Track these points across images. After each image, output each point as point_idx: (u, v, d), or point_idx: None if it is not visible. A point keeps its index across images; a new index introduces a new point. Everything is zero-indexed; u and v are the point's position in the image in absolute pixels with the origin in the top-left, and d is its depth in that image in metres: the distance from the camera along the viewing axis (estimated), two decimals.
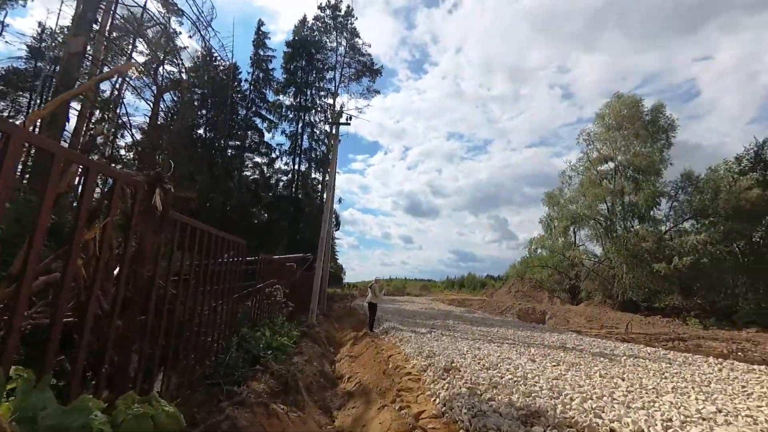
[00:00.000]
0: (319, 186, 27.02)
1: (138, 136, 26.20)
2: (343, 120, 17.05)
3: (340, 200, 28.24)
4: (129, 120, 24.20)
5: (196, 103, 31.20)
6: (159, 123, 27.77)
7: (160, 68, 26.25)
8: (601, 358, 7.68)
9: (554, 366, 6.73)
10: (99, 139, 25.26)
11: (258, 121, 29.87)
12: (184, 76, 30.73)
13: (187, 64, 31.22)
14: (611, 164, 28.98)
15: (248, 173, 31.93)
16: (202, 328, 5.24)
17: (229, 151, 31.61)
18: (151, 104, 24.14)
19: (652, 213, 25.42)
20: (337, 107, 24.79)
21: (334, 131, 15.95)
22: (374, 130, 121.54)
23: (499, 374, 5.85)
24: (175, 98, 31.73)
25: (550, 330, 13.71)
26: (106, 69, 20.49)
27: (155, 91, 24.46)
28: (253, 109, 30.13)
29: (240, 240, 6.82)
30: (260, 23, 30.36)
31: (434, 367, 6.14)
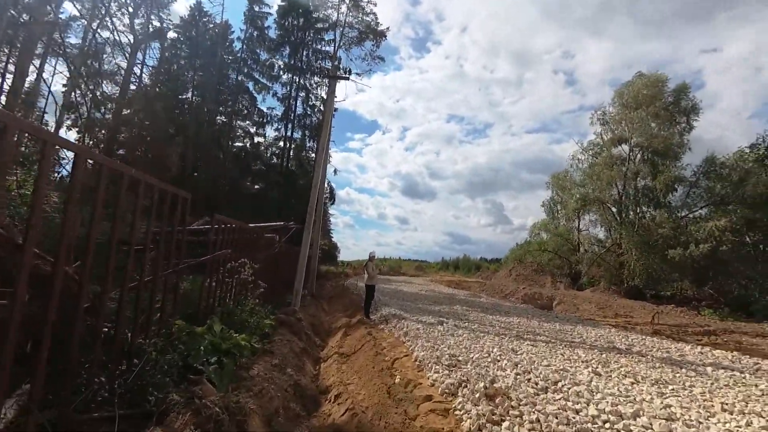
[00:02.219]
0: (314, 155, 24.40)
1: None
2: (341, 75, 14.38)
3: (335, 171, 25.75)
4: (100, 77, 21.25)
5: (182, 62, 28.02)
6: (139, 82, 24.72)
7: (138, 18, 23.02)
8: (682, 369, 5.52)
9: (633, 383, 4.55)
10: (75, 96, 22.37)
11: (250, 84, 26.89)
12: (170, 33, 27.53)
13: (176, 21, 27.96)
14: (625, 147, 26.61)
15: (239, 143, 29.12)
16: (98, 321, 3.00)
17: (219, 118, 28.65)
18: (127, 56, 21.05)
19: (668, 199, 23.27)
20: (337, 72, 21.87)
21: (329, 86, 13.32)
22: (373, 109, 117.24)
23: (574, 405, 3.62)
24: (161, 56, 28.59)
25: (579, 322, 11.61)
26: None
27: (131, 41, 21.37)
28: (245, 71, 27.07)
29: (181, 192, 4.44)
30: None
31: (468, 389, 3.88)
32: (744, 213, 20.60)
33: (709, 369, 5.68)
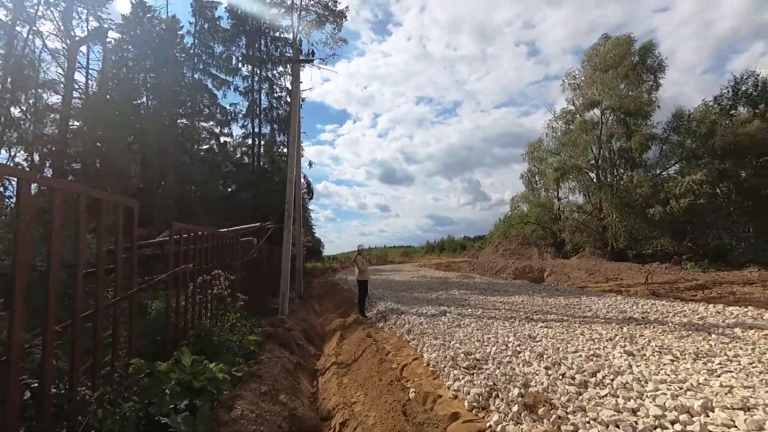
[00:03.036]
0: (286, 149, 23.09)
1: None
2: (303, 58, 13.22)
3: (310, 164, 24.53)
4: (37, 88, 19.16)
5: (130, 64, 25.78)
6: (85, 89, 22.54)
7: (73, 20, 20.75)
8: (712, 336, 5.06)
9: (674, 361, 4.00)
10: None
11: (209, 82, 25.01)
12: (112, 33, 25.23)
13: (117, 20, 25.53)
14: (597, 111, 26.57)
15: (205, 145, 27.30)
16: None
17: (180, 120, 26.68)
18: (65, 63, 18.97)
19: (644, 158, 23.43)
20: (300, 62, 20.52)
21: (292, 72, 12.22)
22: (341, 98, 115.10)
23: (627, 403, 2.99)
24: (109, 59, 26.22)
25: (581, 293, 11.27)
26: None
27: (68, 44, 19.25)
28: (201, 67, 25.14)
29: (125, 200, 3.52)
30: None
31: (502, 400, 3.19)
32: (715, 165, 20.94)
33: (738, 330, 5.26)
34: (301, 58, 13.00)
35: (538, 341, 5.08)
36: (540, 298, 9.03)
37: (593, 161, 26.10)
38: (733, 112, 21.54)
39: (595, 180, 26.33)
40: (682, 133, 22.23)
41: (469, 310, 7.77)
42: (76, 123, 21.82)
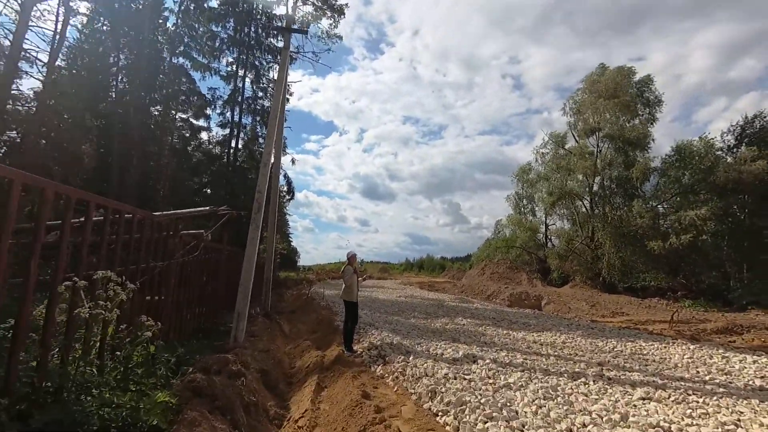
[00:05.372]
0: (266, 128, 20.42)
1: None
2: (296, 28, 10.98)
3: (293, 161, 21.99)
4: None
5: (108, 43, 22.71)
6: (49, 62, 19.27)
7: None
8: None
9: None
10: None
11: (188, 63, 22.24)
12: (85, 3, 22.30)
13: None
14: (592, 139, 25.60)
15: (177, 133, 24.23)
16: None
17: (154, 108, 23.56)
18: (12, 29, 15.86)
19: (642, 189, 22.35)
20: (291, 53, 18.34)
21: (284, 40, 9.92)
22: (329, 110, 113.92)
23: None
24: (79, 33, 23.09)
25: (611, 331, 9.17)
26: None
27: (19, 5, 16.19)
28: (182, 48, 22.41)
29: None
30: None
31: None
32: (715, 201, 19.98)
33: None
34: (293, 28, 10.75)
35: (631, 422, 2.78)
36: (582, 339, 6.79)
37: (589, 188, 24.89)
38: (736, 150, 20.88)
39: (588, 208, 25.06)
40: (682, 167, 21.29)
41: (503, 353, 5.41)
42: (23, 90, 18.53)
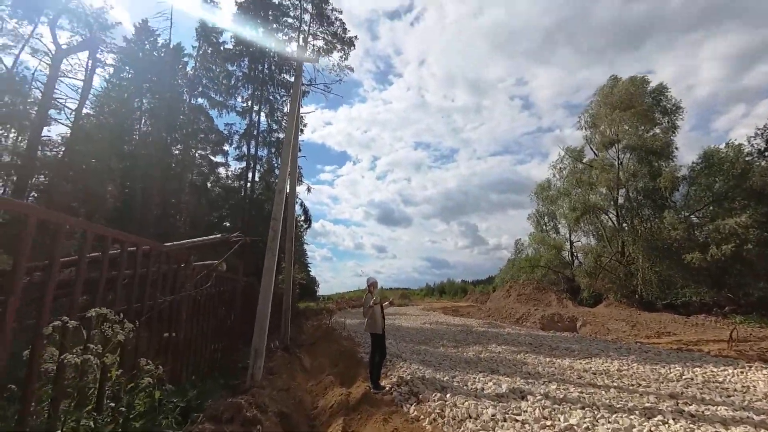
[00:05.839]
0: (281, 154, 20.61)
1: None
2: (307, 57, 11.09)
3: (309, 189, 22.00)
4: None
5: (125, 84, 23.97)
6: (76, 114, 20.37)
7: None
8: None
9: None
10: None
11: (206, 102, 23.09)
12: (112, 55, 23.69)
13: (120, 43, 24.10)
14: (611, 151, 24.81)
15: (197, 171, 24.84)
16: None
17: (176, 148, 24.37)
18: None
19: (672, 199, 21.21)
20: (302, 90, 18.80)
21: (296, 70, 10.00)
22: (342, 140, 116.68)
23: None
24: (106, 81, 24.49)
25: (661, 355, 8.22)
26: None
27: (52, 54, 17.32)
28: (199, 89, 23.36)
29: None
30: None
31: None
32: (757, 208, 18.65)
33: None
34: (306, 56, 10.89)
35: None
36: (638, 365, 5.96)
37: (612, 201, 23.85)
38: (767, 154, 19.74)
39: (615, 221, 23.90)
40: (711, 174, 20.19)
41: (553, 386, 4.71)
42: (52, 136, 19.50)
